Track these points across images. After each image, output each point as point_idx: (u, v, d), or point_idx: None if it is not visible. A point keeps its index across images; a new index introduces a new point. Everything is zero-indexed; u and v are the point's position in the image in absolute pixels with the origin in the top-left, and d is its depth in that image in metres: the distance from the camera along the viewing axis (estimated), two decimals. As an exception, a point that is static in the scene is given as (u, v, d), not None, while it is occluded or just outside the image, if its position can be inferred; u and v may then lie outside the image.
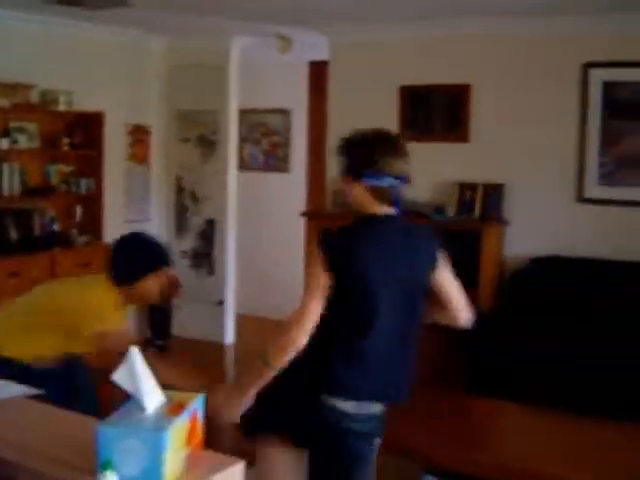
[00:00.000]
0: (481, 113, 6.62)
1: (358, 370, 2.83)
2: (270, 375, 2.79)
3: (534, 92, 6.42)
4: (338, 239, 2.85)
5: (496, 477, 3.80)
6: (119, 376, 1.95)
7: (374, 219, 2.89)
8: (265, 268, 8.86)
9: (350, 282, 2.78)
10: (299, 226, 7.57)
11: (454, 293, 3.11)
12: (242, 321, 8.27)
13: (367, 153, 2.88)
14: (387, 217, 2.90)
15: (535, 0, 5.70)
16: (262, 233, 8.90)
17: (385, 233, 2.88)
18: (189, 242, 8.13)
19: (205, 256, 8.06)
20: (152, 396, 1.95)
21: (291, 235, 8.34)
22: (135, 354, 1.96)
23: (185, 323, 7.89)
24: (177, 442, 1.89)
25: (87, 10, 6.40)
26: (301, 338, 2.74)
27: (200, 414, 2.05)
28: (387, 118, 6.95)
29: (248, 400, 2.84)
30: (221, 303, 8.01)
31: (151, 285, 3.61)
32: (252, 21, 6.92)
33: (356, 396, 2.83)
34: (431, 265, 2.99)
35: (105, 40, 7.48)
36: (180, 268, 8.02)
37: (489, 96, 6.59)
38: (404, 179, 2.89)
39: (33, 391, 2.63)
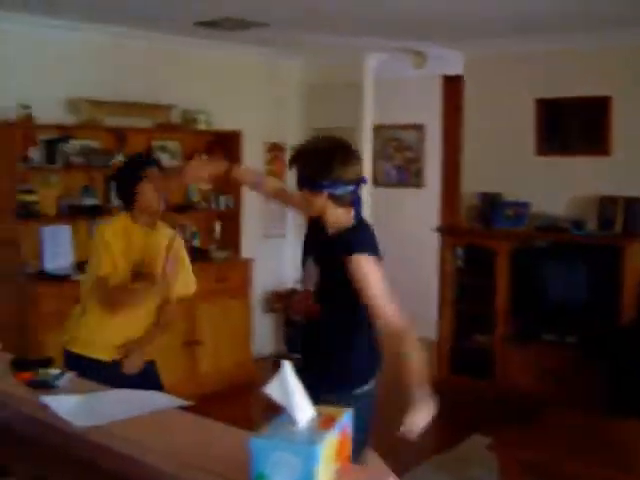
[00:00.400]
0: (622, 125, 6.44)
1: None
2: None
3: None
4: (369, 238, 3.21)
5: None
6: (271, 389, 1.98)
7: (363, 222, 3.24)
8: (398, 283, 8.79)
9: None
10: (433, 242, 7.53)
11: None
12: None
13: (324, 163, 3.04)
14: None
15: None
16: (395, 248, 8.87)
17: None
18: (324, 257, 8.18)
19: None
20: (303, 410, 1.97)
21: (425, 251, 8.31)
22: (288, 368, 1.99)
23: (320, 338, 7.94)
24: (328, 456, 1.91)
25: (226, 31, 6.58)
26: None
27: (349, 429, 2.07)
28: (523, 132, 6.86)
29: None
30: (355, 318, 8.02)
31: (146, 193, 3.88)
32: (386, 37, 6.95)
33: None
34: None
35: (242, 60, 7.67)
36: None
37: (631, 108, 6.41)
38: (360, 182, 3.12)
39: (181, 402, 2.69)
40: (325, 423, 1.97)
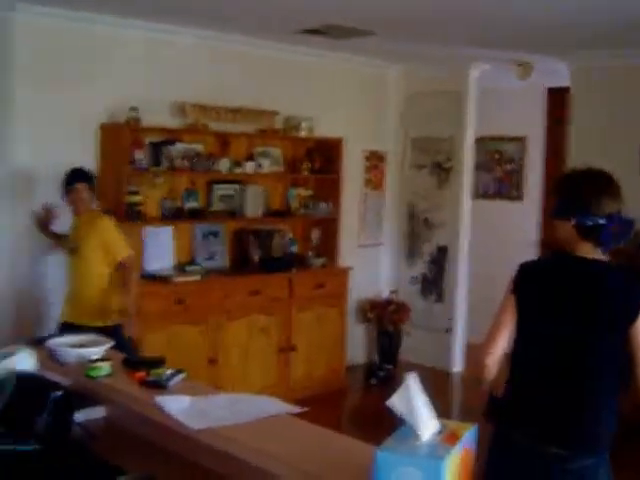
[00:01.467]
0: None
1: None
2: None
3: None
4: (528, 269, 3.05)
5: None
6: (395, 401, 1.95)
7: (568, 258, 2.93)
8: (496, 298, 8.68)
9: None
10: (532, 256, 7.38)
11: None
12: (472, 350, 8.16)
13: (577, 192, 2.90)
14: (583, 259, 2.90)
15: None
16: (494, 262, 8.74)
17: (569, 274, 2.92)
18: (419, 268, 8.14)
19: (435, 283, 8.04)
20: (428, 424, 1.94)
21: (523, 264, 8.15)
22: (413, 381, 1.95)
23: (413, 349, 7.89)
24: (452, 472, 1.87)
25: (330, 39, 6.60)
26: (487, 364, 3.01)
27: (473, 446, 2.02)
28: (631, 147, 6.68)
29: None
30: (448, 331, 7.95)
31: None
32: (490, 48, 6.87)
33: None
34: (625, 317, 2.86)
35: (345, 68, 7.68)
36: (409, 294, 8.07)
37: None
38: (613, 217, 2.84)
39: (296, 409, 2.68)
40: (449, 439, 1.93)
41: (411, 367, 7.32)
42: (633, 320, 2.83)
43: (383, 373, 7.56)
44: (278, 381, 6.67)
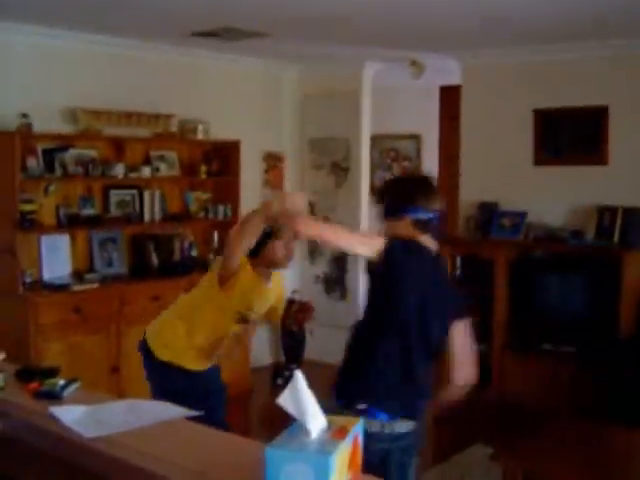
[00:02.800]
0: (620, 134, 6.45)
1: None
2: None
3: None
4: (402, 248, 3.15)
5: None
6: (283, 399, 1.98)
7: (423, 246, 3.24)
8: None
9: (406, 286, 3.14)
10: (431, 251, 7.52)
11: (461, 348, 3.30)
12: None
13: (410, 192, 3.26)
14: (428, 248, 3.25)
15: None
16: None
17: (429, 263, 3.25)
18: (322, 267, 8.21)
19: (338, 281, 8.11)
20: (316, 420, 1.97)
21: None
22: (299, 378, 1.99)
23: (318, 348, 7.94)
24: (341, 466, 1.91)
25: (224, 41, 6.60)
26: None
27: (360, 439, 2.07)
28: (521, 142, 6.88)
29: None
30: (353, 328, 8.02)
31: (275, 249, 3.97)
32: (384, 47, 6.97)
33: None
34: (457, 312, 3.30)
35: (240, 70, 7.69)
36: (313, 293, 8.13)
37: (628, 117, 6.43)
38: (441, 213, 3.27)
39: (192, 412, 2.69)
40: (338, 433, 1.97)
41: (317, 365, 7.45)
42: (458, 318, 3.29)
43: (289, 373, 7.58)
44: (182, 386, 6.63)
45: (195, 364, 4.14)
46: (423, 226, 3.20)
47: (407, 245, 3.14)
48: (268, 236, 3.91)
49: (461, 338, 3.26)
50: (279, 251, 3.96)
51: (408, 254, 3.10)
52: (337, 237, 3.20)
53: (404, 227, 3.21)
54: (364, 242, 3.19)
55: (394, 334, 3.14)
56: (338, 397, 3.23)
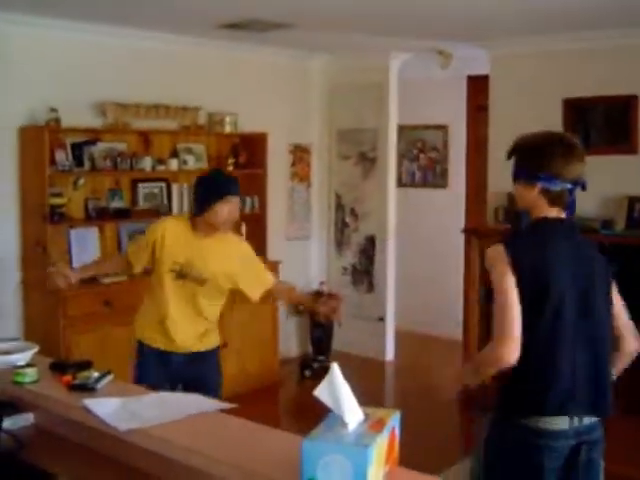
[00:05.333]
0: (650, 124, 6.38)
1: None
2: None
3: None
4: (521, 242, 2.83)
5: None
6: (321, 391, 1.97)
7: (548, 223, 2.85)
8: (425, 285, 8.83)
9: (542, 290, 2.72)
10: (458, 243, 7.51)
11: (622, 314, 2.96)
12: (402, 337, 8.27)
13: (540, 156, 2.84)
14: (560, 221, 2.86)
15: None
16: (421, 250, 8.87)
17: (561, 238, 2.84)
18: (349, 259, 8.20)
19: (365, 273, 8.10)
20: (353, 412, 1.96)
21: (450, 252, 8.29)
22: (336, 370, 1.98)
23: (346, 339, 7.93)
24: (379, 458, 1.90)
25: (251, 33, 6.59)
26: (509, 353, 2.63)
27: (397, 431, 2.06)
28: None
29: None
30: (381, 319, 8.02)
31: (218, 213, 3.98)
32: (411, 37, 6.93)
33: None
34: (607, 278, 2.92)
35: (267, 61, 7.67)
36: (340, 284, 8.12)
37: (658, 106, 6.36)
38: (579, 183, 2.83)
39: (223, 405, 2.69)
40: (374, 426, 1.96)
41: (345, 357, 7.45)
42: (611, 285, 2.92)
43: (317, 365, 7.59)
44: (212, 378, 6.65)
45: None
46: (555, 198, 2.81)
47: (525, 243, 2.81)
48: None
49: (620, 304, 2.96)
50: (221, 216, 3.98)
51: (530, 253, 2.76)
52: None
53: (533, 196, 2.83)
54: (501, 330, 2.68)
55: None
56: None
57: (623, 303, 3.00)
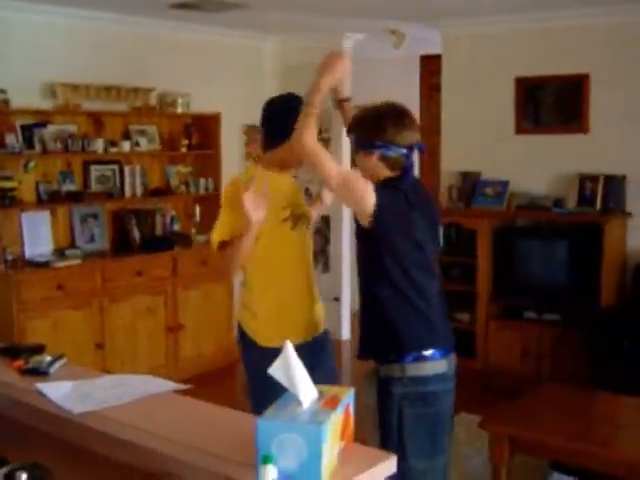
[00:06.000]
0: (601, 103, 6.45)
1: None
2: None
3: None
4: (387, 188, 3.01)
5: (621, 475, 3.74)
6: (275, 370, 1.98)
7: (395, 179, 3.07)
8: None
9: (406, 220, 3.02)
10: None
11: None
12: (357, 317, 8.29)
13: (375, 126, 3.05)
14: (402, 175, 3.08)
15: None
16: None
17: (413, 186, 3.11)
18: (304, 239, 8.18)
19: (321, 253, 8.11)
20: (307, 390, 1.97)
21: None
22: (290, 349, 1.98)
23: (302, 320, 7.93)
24: (333, 435, 1.91)
25: (204, 13, 6.53)
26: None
27: (352, 407, 2.07)
28: (503, 111, 6.87)
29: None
30: (337, 300, 8.05)
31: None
32: (364, 17, 6.93)
33: None
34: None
35: (220, 42, 7.62)
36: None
37: (608, 85, 6.41)
38: (413, 148, 3.06)
39: (176, 385, 2.68)
40: (329, 403, 1.97)
41: (301, 338, 7.42)
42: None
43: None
44: (167, 361, 6.64)
45: None
46: (393, 163, 3.03)
47: (386, 186, 3.00)
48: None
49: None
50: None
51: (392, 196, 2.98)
52: (325, 167, 2.96)
53: (373, 163, 3.03)
54: (352, 188, 2.93)
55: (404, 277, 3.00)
56: (382, 357, 3.05)
57: None
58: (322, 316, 3.61)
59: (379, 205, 2.89)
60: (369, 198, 2.90)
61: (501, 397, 5.54)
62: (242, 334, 3.49)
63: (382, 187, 2.95)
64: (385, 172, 3.03)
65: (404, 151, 3.02)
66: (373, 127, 3.05)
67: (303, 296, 3.49)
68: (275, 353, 2.03)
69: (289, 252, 3.44)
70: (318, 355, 3.47)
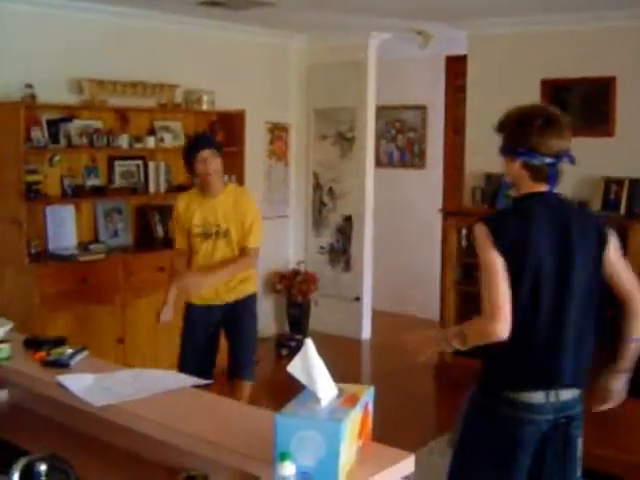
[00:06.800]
0: (627, 106, 6.40)
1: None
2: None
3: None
4: (504, 221, 2.83)
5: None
6: (294, 367, 1.98)
7: (529, 198, 2.86)
8: (401, 265, 8.86)
9: (522, 264, 2.73)
10: (435, 223, 7.54)
11: (627, 274, 2.92)
12: (378, 317, 8.29)
13: (519, 130, 2.85)
14: (542, 194, 2.85)
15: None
16: (398, 230, 8.89)
17: (542, 212, 2.83)
18: (327, 238, 8.20)
19: (342, 252, 8.11)
20: (326, 387, 1.97)
21: (427, 232, 8.33)
22: (310, 346, 1.98)
23: (322, 319, 7.95)
24: (352, 433, 1.91)
25: (230, 10, 6.54)
26: (501, 329, 2.66)
27: (371, 406, 2.07)
28: (528, 112, 6.83)
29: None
30: (358, 299, 8.04)
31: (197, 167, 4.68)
32: (390, 17, 6.91)
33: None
34: (600, 244, 2.87)
35: (246, 40, 7.63)
36: (318, 264, 8.13)
37: (635, 89, 6.37)
38: (561, 157, 2.82)
39: (196, 381, 2.69)
40: (348, 401, 1.97)
41: (321, 336, 7.46)
42: (604, 250, 2.86)
43: (294, 343, 7.60)
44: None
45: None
46: (536, 172, 2.82)
47: (506, 219, 2.84)
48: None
49: (622, 265, 2.91)
50: (201, 169, 4.65)
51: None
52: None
53: (516, 171, 2.86)
54: None
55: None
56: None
57: (626, 263, 2.95)
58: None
59: None
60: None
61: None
62: None
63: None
64: (527, 182, 2.85)
65: (549, 160, 2.80)
66: (516, 132, 2.86)
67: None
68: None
69: (200, 256, 4.82)
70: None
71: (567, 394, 2.81)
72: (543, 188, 2.85)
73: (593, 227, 2.90)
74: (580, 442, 2.88)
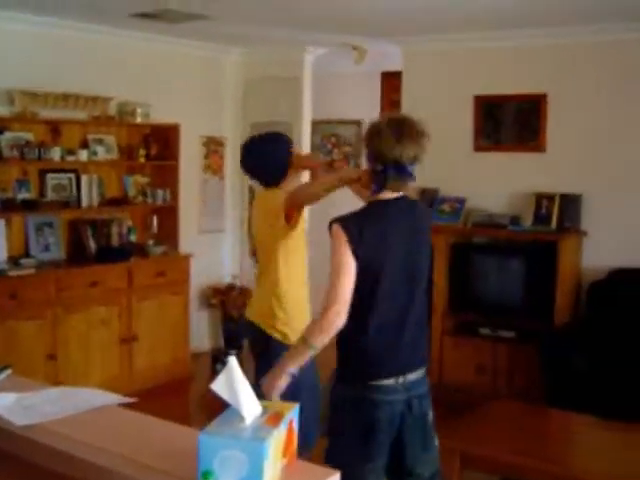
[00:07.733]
0: (558, 122, 6.53)
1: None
2: (309, 354, 3.02)
3: (614, 101, 6.32)
4: (352, 223, 3.03)
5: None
6: (217, 385, 1.96)
7: (381, 203, 3.11)
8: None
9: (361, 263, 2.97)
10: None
11: None
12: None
13: (368, 139, 3.10)
14: (394, 199, 3.12)
15: (619, 5, 5.60)
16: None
17: (390, 214, 3.09)
18: (262, 252, 8.16)
19: (278, 266, 8.08)
20: (250, 406, 1.95)
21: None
22: (234, 364, 1.97)
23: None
24: (276, 452, 1.90)
25: (165, 24, 6.51)
26: (337, 319, 2.95)
27: (295, 424, 2.06)
28: (461, 128, 6.92)
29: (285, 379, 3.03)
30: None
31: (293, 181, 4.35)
32: (326, 32, 6.95)
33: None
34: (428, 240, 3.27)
35: (181, 53, 7.60)
36: (253, 278, 8.08)
37: (566, 105, 6.50)
38: (401, 164, 3.06)
39: (121, 399, 2.65)
40: (272, 419, 1.95)
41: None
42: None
43: (227, 359, 7.53)
44: (120, 373, 6.57)
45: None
46: (380, 178, 3.08)
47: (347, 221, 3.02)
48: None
49: None
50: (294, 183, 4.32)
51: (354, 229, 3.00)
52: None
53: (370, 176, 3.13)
54: None
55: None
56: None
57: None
58: None
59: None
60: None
61: (454, 413, 5.55)
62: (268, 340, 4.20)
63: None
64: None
65: (380, 167, 3.06)
66: (367, 139, 3.11)
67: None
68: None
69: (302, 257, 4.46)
70: None
71: (413, 375, 3.10)
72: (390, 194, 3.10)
73: (427, 217, 3.43)
74: (431, 415, 3.21)
